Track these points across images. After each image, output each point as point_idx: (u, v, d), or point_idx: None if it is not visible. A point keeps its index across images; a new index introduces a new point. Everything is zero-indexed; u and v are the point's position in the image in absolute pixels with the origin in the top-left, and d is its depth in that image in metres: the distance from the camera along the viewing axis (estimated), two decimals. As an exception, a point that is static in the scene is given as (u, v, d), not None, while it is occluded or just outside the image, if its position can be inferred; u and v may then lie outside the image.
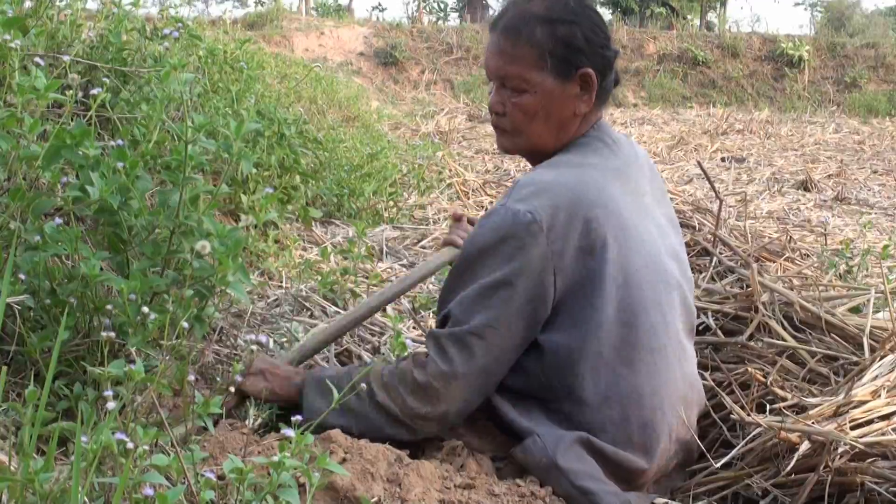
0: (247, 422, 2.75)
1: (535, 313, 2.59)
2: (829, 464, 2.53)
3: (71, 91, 2.60)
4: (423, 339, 2.78)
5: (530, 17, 2.70)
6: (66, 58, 2.88)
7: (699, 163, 4.88)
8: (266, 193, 2.47)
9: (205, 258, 2.42)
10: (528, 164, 2.95)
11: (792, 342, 3.19)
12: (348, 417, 2.63)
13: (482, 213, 5.61)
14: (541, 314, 2.60)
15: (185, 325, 2.31)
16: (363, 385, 2.56)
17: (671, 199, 6.59)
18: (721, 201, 4.27)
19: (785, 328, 3.28)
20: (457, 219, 3.34)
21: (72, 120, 2.73)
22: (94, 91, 2.70)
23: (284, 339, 3.63)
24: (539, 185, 2.60)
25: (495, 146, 3.10)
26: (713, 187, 4.44)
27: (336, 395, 2.35)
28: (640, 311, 2.62)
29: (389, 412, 2.61)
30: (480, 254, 2.60)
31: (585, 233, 2.56)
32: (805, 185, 10.21)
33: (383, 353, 3.65)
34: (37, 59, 2.70)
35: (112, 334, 2.23)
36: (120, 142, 2.60)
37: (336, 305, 4.18)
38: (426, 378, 2.57)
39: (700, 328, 3.49)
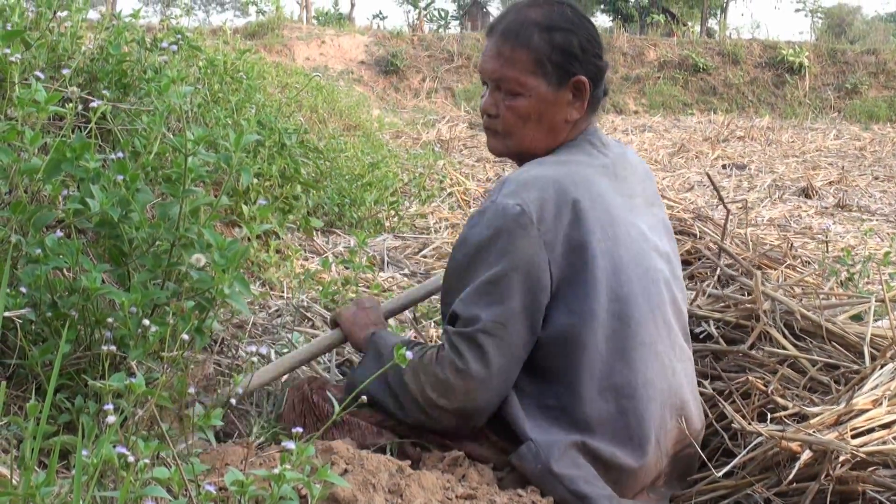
0: (251, 432, 2.75)
1: (538, 303, 2.60)
2: (831, 472, 2.53)
3: (71, 104, 2.61)
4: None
5: (529, 22, 2.74)
6: (65, 71, 2.89)
7: (707, 174, 4.89)
8: (260, 205, 2.46)
9: (205, 270, 2.42)
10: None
11: (793, 351, 3.19)
12: (384, 392, 2.72)
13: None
14: (542, 303, 2.61)
15: (186, 337, 2.31)
16: (397, 377, 2.67)
17: (672, 206, 6.60)
18: (728, 211, 4.27)
19: (786, 337, 3.28)
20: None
21: (72, 132, 2.74)
22: (94, 103, 2.70)
23: (286, 350, 3.64)
24: (526, 179, 2.65)
25: (500, 158, 3.11)
26: (720, 198, 4.44)
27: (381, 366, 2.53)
28: (631, 304, 2.64)
29: (412, 395, 2.65)
30: (476, 251, 2.62)
31: (575, 223, 2.59)
32: (806, 192, 10.22)
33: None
34: (37, 73, 2.70)
35: (113, 347, 2.23)
36: (120, 154, 2.60)
37: (337, 315, 4.18)
38: (444, 374, 2.59)
39: (701, 336, 3.48)
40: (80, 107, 2.93)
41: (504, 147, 2.88)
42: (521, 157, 2.89)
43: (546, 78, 2.74)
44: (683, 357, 2.81)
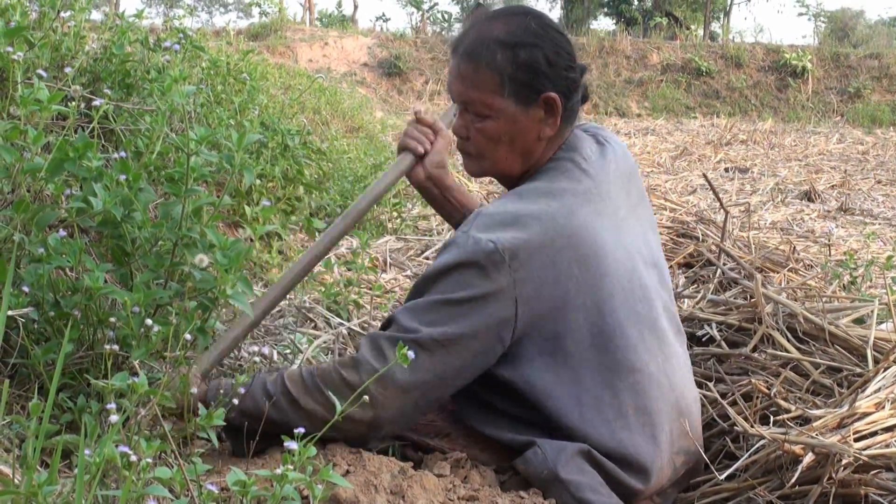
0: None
1: (490, 343, 2.51)
2: (833, 476, 2.52)
3: (73, 103, 2.61)
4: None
5: (491, 41, 2.62)
6: (67, 70, 2.89)
7: (705, 175, 4.89)
8: (264, 206, 2.46)
9: (207, 270, 2.41)
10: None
11: (795, 354, 3.19)
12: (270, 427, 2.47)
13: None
14: (495, 345, 2.52)
15: (189, 337, 2.31)
16: (279, 395, 2.49)
17: (674, 209, 6.60)
18: (727, 213, 4.27)
19: (788, 340, 3.28)
20: (418, 119, 2.97)
21: (75, 132, 2.73)
22: (97, 102, 2.70)
23: (288, 351, 3.64)
24: (504, 216, 2.53)
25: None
26: (719, 199, 4.44)
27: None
28: (616, 334, 2.57)
29: (316, 416, 2.45)
30: (438, 275, 2.52)
31: (550, 264, 2.50)
32: (809, 196, 10.21)
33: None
34: (39, 72, 2.69)
35: (116, 347, 2.23)
36: (123, 154, 2.60)
37: (340, 317, 4.18)
38: (358, 378, 2.43)
39: (704, 339, 3.49)
40: (82, 105, 2.93)
41: (479, 168, 2.78)
42: (499, 178, 2.84)
43: (513, 98, 2.62)
44: (680, 364, 2.77)
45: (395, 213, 6.92)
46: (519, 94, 2.62)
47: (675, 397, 2.69)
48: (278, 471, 1.84)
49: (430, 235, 6.67)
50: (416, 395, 2.50)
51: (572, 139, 2.75)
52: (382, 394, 2.45)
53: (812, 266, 5.30)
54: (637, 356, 2.60)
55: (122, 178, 2.46)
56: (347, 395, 2.35)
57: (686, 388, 2.76)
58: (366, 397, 2.33)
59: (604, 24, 47.76)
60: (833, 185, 11.35)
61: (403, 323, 2.49)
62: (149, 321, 2.29)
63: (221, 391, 2.43)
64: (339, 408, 2.23)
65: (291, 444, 1.89)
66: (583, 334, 2.54)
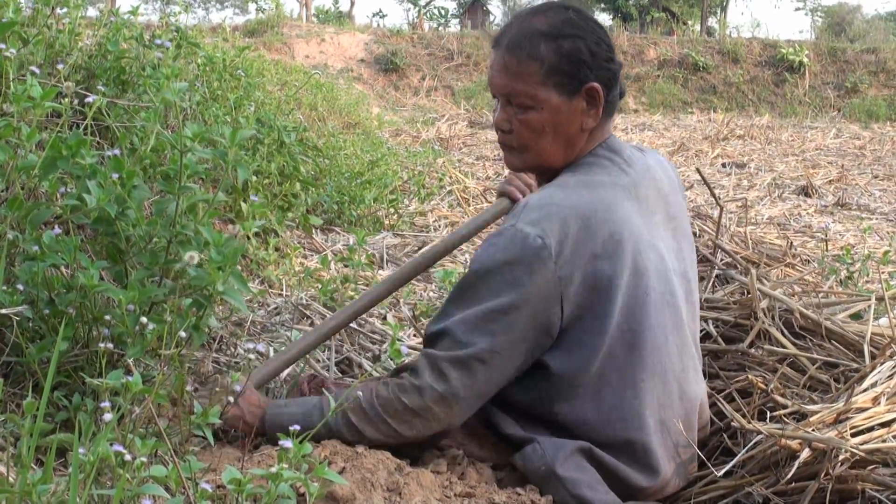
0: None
1: (539, 339, 2.55)
2: (830, 471, 2.52)
3: (66, 99, 2.60)
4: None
5: (534, 33, 2.64)
6: (60, 66, 2.88)
7: (699, 170, 4.88)
8: (253, 202, 2.45)
9: (203, 268, 2.41)
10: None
11: (792, 349, 3.18)
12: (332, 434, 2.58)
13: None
14: (544, 341, 2.56)
15: (184, 334, 2.30)
16: (341, 427, 2.55)
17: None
18: (721, 208, 4.26)
19: (785, 335, 3.27)
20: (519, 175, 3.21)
21: (69, 129, 2.72)
22: (90, 99, 2.69)
23: (284, 349, 3.63)
24: (550, 208, 2.54)
25: (499, 155, 3.06)
26: (713, 194, 4.43)
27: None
28: (645, 334, 2.59)
29: (382, 442, 2.55)
30: (487, 273, 2.54)
31: (593, 257, 2.52)
32: (806, 191, 10.22)
33: (381, 361, 3.64)
34: (33, 68, 2.69)
35: (111, 345, 2.22)
36: (117, 151, 2.59)
37: (336, 313, 4.18)
38: (422, 403, 2.52)
39: (701, 336, 3.48)
40: (75, 101, 2.92)
41: (521, 162, 2.78)
42: (541, 171, 2.84)
43: (557, 88, 2.63)
44: (696, 375, 2.80)
45: (391, 210, 6.91)
46: (562, 84, 2.64)
47: (686, 410, 2.71)
48: (274, 469, 1.84)
49: (427, 231, 6.67)
50: (477, 402, 2.60)
51: (613, 141, 2.77)
52: (448, 412, 2.55)
53: (809, 261, 5.29)
54: (659, 360, 2.62)
55: (116, 175, 2.46)
56: (412, 420, 2.54)
57: (697, 402, 2.78)
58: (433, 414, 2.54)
59: (601, 19, 47.77)
60: (830, 181, 11.35)
61: (460, 337, 2.54)
62: (144, 319, 2.29)
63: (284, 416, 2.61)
64: (402, 431, 2.53)
65: (286, 443, 1.89)
66: (617, 330, 2.56)
